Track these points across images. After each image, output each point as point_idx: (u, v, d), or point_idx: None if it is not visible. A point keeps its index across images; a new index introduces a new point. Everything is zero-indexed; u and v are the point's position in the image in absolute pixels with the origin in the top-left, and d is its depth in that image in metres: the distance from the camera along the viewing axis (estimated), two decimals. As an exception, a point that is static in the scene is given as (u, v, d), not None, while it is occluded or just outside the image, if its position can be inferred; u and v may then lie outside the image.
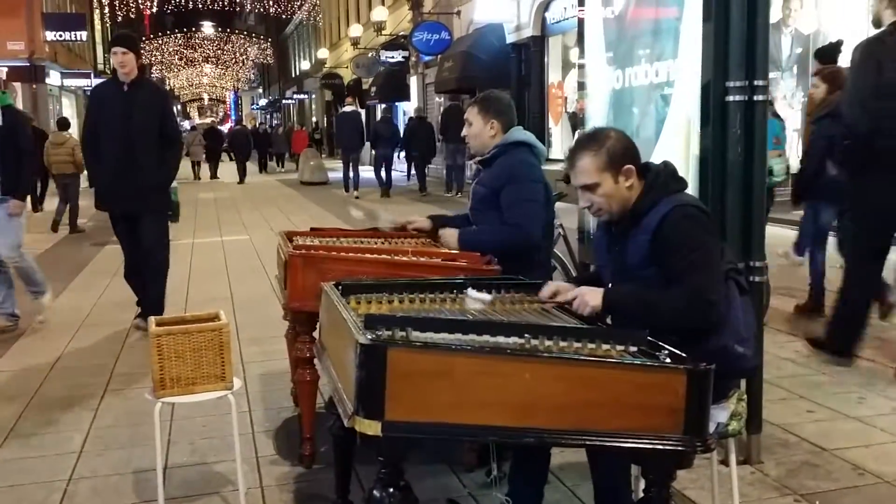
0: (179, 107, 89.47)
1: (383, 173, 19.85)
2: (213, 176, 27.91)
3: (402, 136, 20.82)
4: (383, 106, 28.93)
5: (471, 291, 3.07)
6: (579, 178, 2.93)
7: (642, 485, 2.47)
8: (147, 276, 6.72)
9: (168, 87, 72.19)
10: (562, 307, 2.95)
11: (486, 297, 3.05)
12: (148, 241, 6.60)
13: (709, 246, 2.78)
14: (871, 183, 5.15)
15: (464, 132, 4.20)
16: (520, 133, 4.11)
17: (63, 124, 14.90)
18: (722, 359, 2.42)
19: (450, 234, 4.11)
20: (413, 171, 21.84)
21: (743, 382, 3.38)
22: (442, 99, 23.66)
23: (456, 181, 19.38)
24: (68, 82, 31.92)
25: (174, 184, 9.91)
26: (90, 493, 3.86)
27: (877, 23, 5.21)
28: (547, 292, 3.01)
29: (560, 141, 18.17)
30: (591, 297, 2.85)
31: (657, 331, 2.54)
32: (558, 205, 4.77)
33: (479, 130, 4.09)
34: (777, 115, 7.24)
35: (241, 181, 25.52)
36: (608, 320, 2.90)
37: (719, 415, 2.83)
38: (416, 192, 20.06)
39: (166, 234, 6.89)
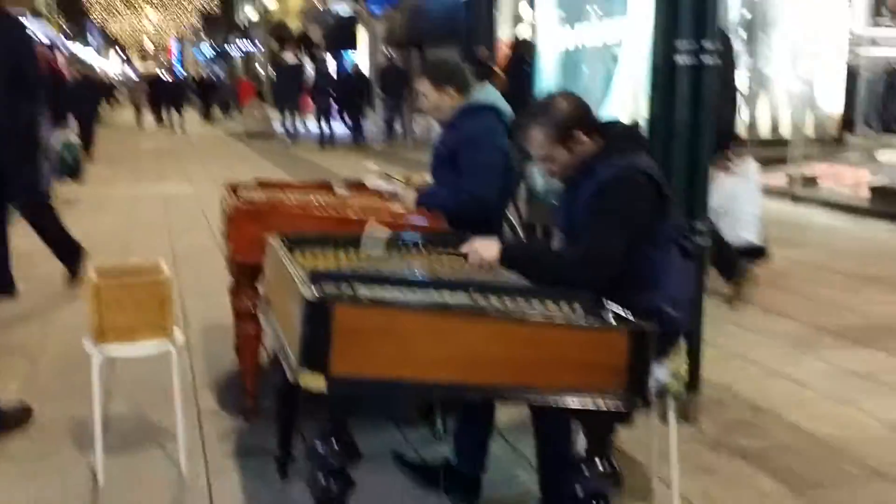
0: (121, 53, 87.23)
1: (324, 125, 20.13)
2: (161, 123, 27.26)
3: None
4: (329, 58, 28.57)
5: (368, 229, 3.03)
6: (532, 150, 2.95)
7: (583, 441, 2.51)
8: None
9: (109, 34, 70.39)
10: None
11: (384, 233, 3.01)
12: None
13: (629, 214, 2.77)
14: None
15: (420, 105, 4.11)
16: (485, 95, 4.03)
17: None
18: (652, 319, 2.44)
19: (408, 197, 4.08)
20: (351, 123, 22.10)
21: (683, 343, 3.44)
22: (391, 54, 23.42)
23: (400, 127, 19.92)
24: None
25: (70, 138, 9.61)
26: (27, 442, 3.80)
27: None
28: (464, 247, 2.99)
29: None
30: (484, 250, 2.87)
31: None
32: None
33: (437, 101, 3.99)
34: None
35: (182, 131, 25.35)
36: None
37: (659, 372, 2.88)
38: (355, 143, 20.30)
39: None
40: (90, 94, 17.24)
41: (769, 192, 11.58)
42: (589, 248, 2.73)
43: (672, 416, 3.19)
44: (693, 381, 3.90)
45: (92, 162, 15.57)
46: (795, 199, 11.11)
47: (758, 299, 6.15)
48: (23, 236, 4.01)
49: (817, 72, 14.11)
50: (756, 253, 6.35)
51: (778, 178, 11.52)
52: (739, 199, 6.21)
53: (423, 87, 4.02)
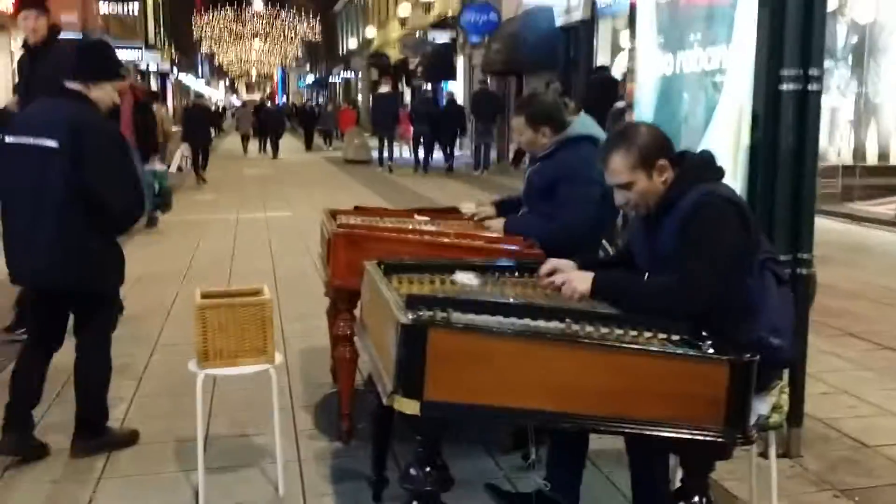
0: (228, 82, 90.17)
1: (421, 151, 20.72)
2: (262, 150, 27.98)
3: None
4: (428, 86, 28.92)
5: (458, 275, 3.04)
6: (612, 178, 2.91)
7: (680, 475, 2.46)
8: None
9: (217, 63, 72.79)
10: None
11: (473, 280, 3.02)
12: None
13: (718, 239, 2.70)
14: None
15: (516, 139, 4.17)
16: (582, 126, 4.05)
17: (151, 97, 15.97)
18: (755, 349, 2.38)
19: (497, 223, 4.10)
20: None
21: (785, 375, 3.35)
22: (489, 80, 23.59)
23: (483, 160, 20.16)
24: (120, 55, 32.21)
25: (158, 167, 9.86)
26: (132, 460, 3.94)
27: None
28: (545, 269, 3.00)
29: (607, 126, 17.99)
30: (579, 283, 2.85)
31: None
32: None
33: (532, 139, 4.04)
34: None
35: (275, 156, 26.06)
36: None
37: (760, 406, 2.80)
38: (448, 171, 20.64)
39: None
40: (203, 122, 18.52)
41: (877, 221, 11.24)
42: (685, 277, 2.67)
43: (773, 451, 3.10)
44: (796, 414, 3.79)
45: (205, 183, 17.07)
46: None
47: (866, 333, 5.93)
48: (130, 262, 4.17)
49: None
50: None
51: (886, 208, 11.12)
52: None
53: (519, 124, 4.06)
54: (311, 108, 36.11)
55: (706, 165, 2.91)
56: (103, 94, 3.91)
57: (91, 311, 4.00)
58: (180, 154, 17.04)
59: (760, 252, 2.82)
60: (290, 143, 28.61)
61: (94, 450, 3.99)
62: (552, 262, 3.04)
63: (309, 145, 30.49)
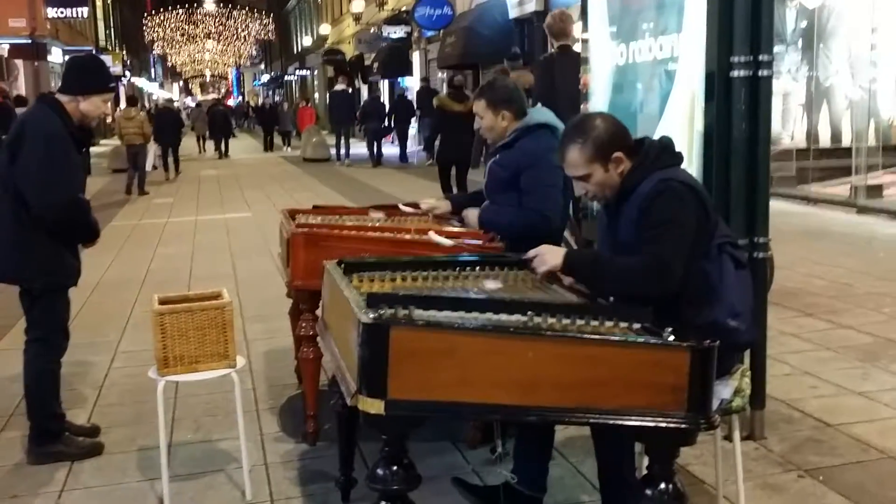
0: (181, 83, 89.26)
1: (375, 147, 21.65)
2: (218, 151, 27.75)
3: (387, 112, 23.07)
4: (386, 82, 28.90)
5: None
6: (570, 170, 2.96)
7: (646, 461, 2.48)
8: None
9: (170, 64, 72.01)
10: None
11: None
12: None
13: (680, 222, 2.75)
14: None
15: (476, 125, 4.18)
16: (540, 115, 4.08)
17: (132, 101, 17.47)
18: (714, 333, 2.39)
19: (472, 215, 4.10)
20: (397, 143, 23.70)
21: (747, 358, 3.38)
22: (444, 74, 23.59)
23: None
24: (70, 59, 31.72)
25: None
26: (94, 471, 3.88)
27: None
28: (531, 253, 3.01)
29: (563, 116, 18.07)
30: (550, 256, 2.89)
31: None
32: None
33: (492, 123, 4.05)
34: None
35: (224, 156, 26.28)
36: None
37: (723, 391, 2.83)
38: (403, 163, 21.45)
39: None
40: (171, 124, 19.97)
41: (833, 202, 11.41)
42: (649, 260, 2.71)
43: (737, 434, 3.13)
44: (759, 396, 3.83)
45: (177, 176, 18.95)
46: (860, 209, 10.86)
47: (825, 313, 6.02)
48: (87, 268, 4.12)
49: (878, 80, 13.82)
50: None
51: (841, 189, 11.28)
52: None
53: (480, 108, 4.06)
54: (270, 106, 35.65)
55: (665, 151, 2.94)
56: (91, 106, 3.97)
57: (27, 308, 4.00)
58: (153, 154, 18.38)
59: (718, 236, 2.85)
60: (248, 143, 28.29)
61: (47, 457, 3.93)
62: (538, 248, 3.03)
63: (269, 146, 29.90)
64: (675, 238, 2.73)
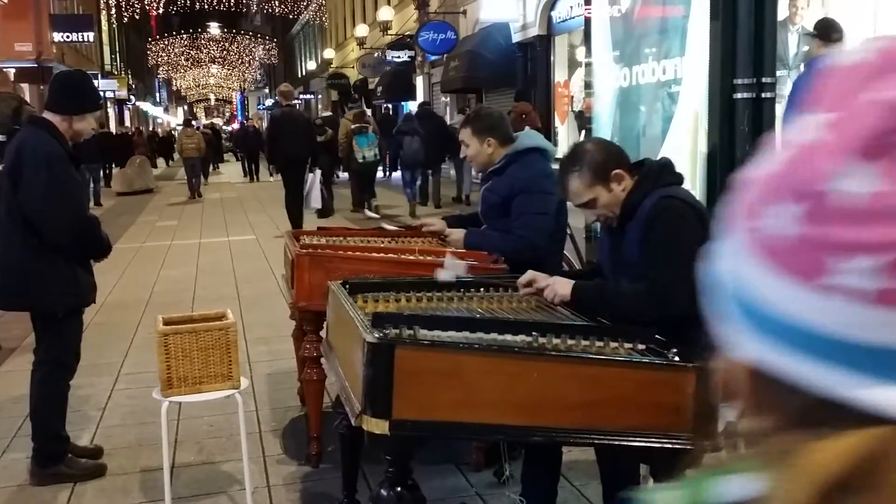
0: (186, 107, 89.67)
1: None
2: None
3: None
4: (389, 105, 29.02)
5: (447, 259, 3.14)
6: (575, 200, 2.99)
7: (651, 484, 2.46)
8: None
9: (175, 88, 72.37)
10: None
11: (460, 263, 3.08)
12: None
13: (680, 242, 2.74)
14: None
15: (462, 153, 4.21)
16: (529, 139, 4.10)
17: (188, 123, 21.86)
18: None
19: (456, 235, 4.11)
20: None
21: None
22: (448, 98, 23.70)
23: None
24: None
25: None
26: (97, 493, 3.87)
27: None
28: (524, 279, 3.03)
29: (566, 140, 18.10)
30: (560, 287, 2.92)
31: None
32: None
33: (477, 150, 4.07)
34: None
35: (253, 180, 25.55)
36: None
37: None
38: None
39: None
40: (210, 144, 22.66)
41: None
42: (653, 283, 2.71)
43: (742, 456, 3.12)
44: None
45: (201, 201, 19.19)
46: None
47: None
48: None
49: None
50: None
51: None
52: None
53: (465, 135, 4.10)
54: (254, 130, 30.56)
55: (665, 170, 2.96)
56: (84, 124, 4.00)
57: (41, 331, 4.02)
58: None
59: None
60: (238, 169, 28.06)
61: (48, 478, 3.91)
62: (530, 273, 3.06)
63: (252, 176, 25.87)
64: (677, 260, 2.72)
